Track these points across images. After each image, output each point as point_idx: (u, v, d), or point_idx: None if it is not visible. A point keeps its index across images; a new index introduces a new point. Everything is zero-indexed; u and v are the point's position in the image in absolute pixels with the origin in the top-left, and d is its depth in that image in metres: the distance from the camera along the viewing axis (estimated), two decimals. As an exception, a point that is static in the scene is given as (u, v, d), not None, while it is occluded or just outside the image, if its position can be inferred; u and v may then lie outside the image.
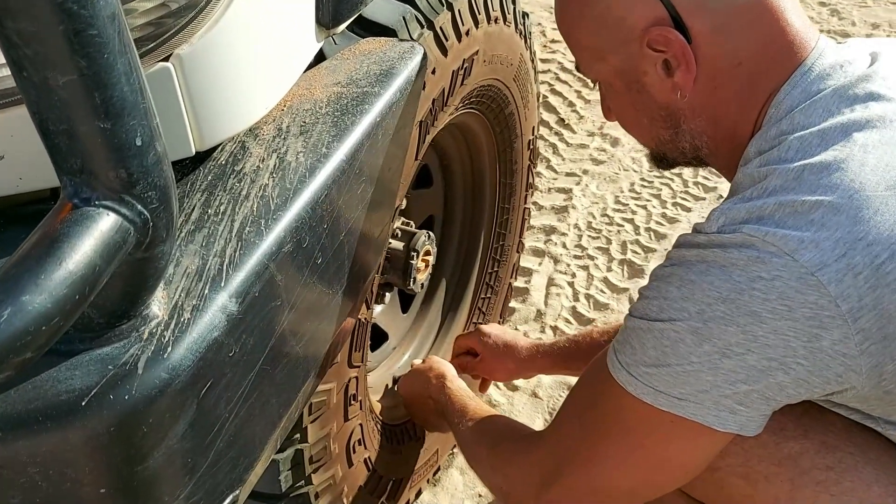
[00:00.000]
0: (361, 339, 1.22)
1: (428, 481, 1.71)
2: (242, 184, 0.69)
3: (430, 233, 1.46)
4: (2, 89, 0.60)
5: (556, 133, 2.75)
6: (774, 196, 0.78)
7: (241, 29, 0.67)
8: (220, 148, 0.73)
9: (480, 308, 1.83)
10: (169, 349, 0.56)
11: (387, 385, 1.57)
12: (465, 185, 1.70)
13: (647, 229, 2.37)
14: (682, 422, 0.84)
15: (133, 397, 0.53)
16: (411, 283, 1.43)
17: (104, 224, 0.49)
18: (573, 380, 1.93)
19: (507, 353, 1.50)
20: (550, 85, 2.98)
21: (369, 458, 1.37)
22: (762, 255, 0.76)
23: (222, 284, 0.60)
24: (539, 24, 3.36)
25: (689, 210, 2.42)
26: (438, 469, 1.73)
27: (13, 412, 0.52)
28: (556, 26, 3.50)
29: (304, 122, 0.76)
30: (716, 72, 0.87)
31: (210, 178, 0.70)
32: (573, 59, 1.03)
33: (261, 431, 0.70)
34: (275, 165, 0.71)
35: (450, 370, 1.41)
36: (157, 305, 0.58)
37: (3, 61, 0.55)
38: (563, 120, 2.81)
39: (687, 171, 2.55)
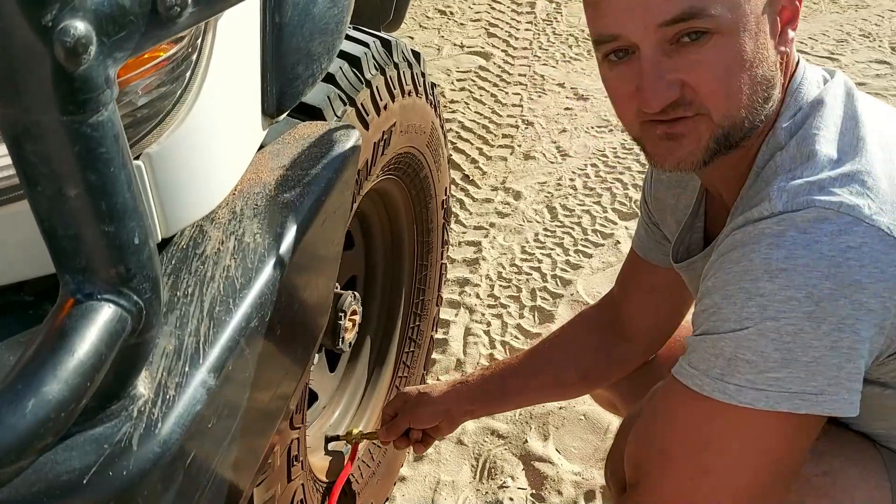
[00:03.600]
0: (302, 400, 1.27)
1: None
2: (206, 266, 0.75)
3: (356, 293, 1.52)
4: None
5: (462, 189, 2.88)
6: (828, 170, 0.81)
7: (201, 127, 0.74)
8: (179, 233, 0.79)
9: (405, 362, 1.90)
10: (159, 425, 0.61)
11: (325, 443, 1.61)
12: (385, 245, 1.78)
13: (553, 276, 2.50)
14: (817, 420, 0.83)
15: (130, 472, 0.58)
16: (340, 342, 1.49)
17: (106, 315, 0.54)
18: (498, 425, 2.02)
19: (421, 397, 1.50)
20: (453, 143, 3.12)
21: (310, 514, 1.41)
22: (842, 225, 0.78)
23: (201, 361, 0.66)
24: (438, 85, 3.51)
25: (590, 256, 2.57)
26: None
27: (17, 495, 0.55)
28: (454, 87, 3.62)
29: (257, 205, 0.83)
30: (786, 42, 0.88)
31: (174, 262, 0.76)
32: (684, 3, 0.81)
33: (234, 490, 0.75)
34: (234, 247, 0.77)
35: None
36: (143, 385, 0.63)
37: None
38: (467, 176, 2.94)
39: (586, 221, 2.71)
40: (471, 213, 2.77)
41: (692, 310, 1.36)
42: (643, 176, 2.94)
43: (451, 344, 2.26)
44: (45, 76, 0.46)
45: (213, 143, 0.76)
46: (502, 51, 3.81)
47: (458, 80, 3.57)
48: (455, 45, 3.87)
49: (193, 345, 0.67)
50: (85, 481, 0.57)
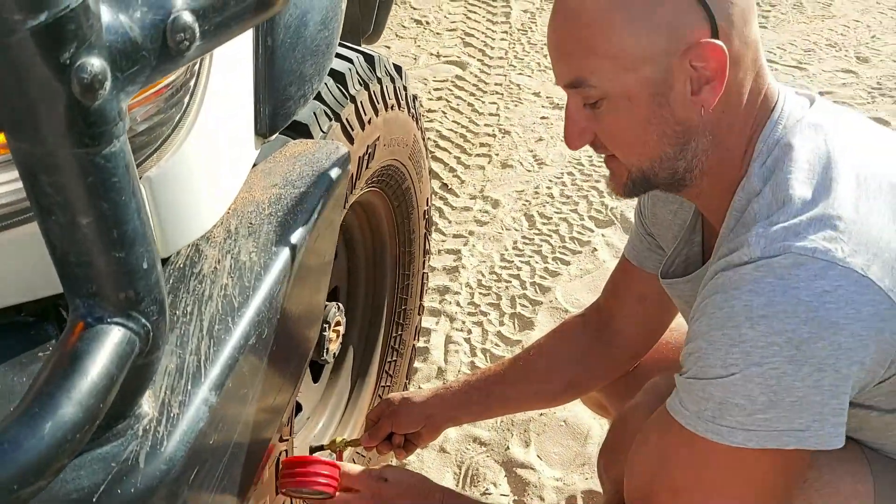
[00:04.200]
0: (289, 413, 1.28)
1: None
2: (204, 285, 0.77)
3: (339, 304, 1.54)
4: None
5: (441, 198, 2.90)
6: (802, 214, 0.85)
7: (198, 149, 0.76)
8: (176, 252, 0.81)
9: (388, 371, 1.92)
10: (164, 443, 0.63)
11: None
12: (367, 256, 1.80)
13: (532, 283, 2.53)
14: (804, 454, 0.88)
15: (138, 490, 0.60)
16: (325, 353, 1.51)
17: (116, 338, 0.56)
18: (480, 432, 2.04)
19: (405, 402, 1.51)
20: (431, 152, 3.15)
21: (297, 528, 1.42)
22: (817, 270, 0.82)
23: (202, 380, 0.68)
24: (416, 95, 3.53)
25: (568, 264, 2.61)
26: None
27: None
28: (431, 96, 3.66)
29: (251, 223, 0.85)
30: (729, 94, 0.90)
31: (172, 281, 0.77)
32: (569, 75, 0.91)
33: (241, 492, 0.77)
34: (231, 266, 0.79)
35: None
36: (148, 404, 0.65)
37: None
38: (446, 185, 2.97)
39: (563, 229, 2.75)
40: (450, 222, 2.80)
41: (678, 317, 1.41)
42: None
43: (433, 352, 2.29)
44: (61, 111, 0.48)
45: (209, 164, 0.78)
46: (478, 60, 3.85)
47: (434, 90, 3.60)
48: (431, 54, 3.90)
49: (195, 363, 0.69)
50: (94, 500, 0.58)
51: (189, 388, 0.67)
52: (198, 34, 0.54)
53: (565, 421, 2.07)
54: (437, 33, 4.07)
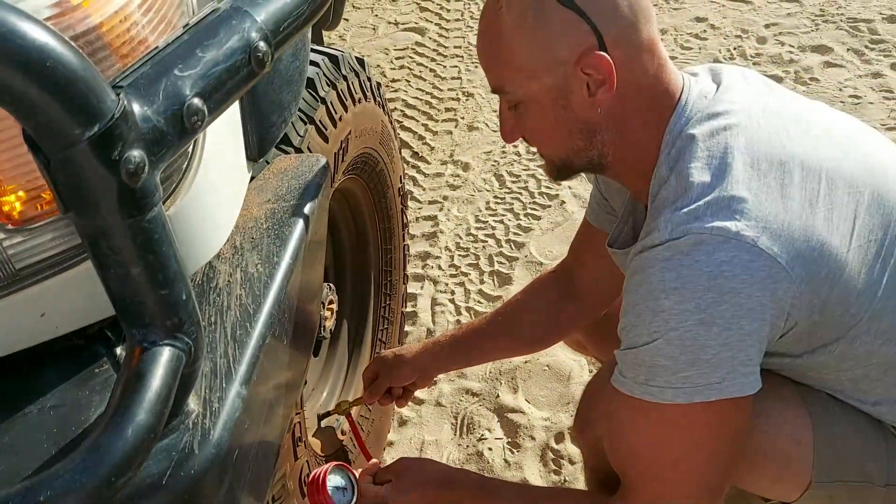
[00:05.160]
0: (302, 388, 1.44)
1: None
2: (221, 297, 0.92)
3: (331, 284, 1.69)
4: (42, 266, 0.80)
5: (413, 166, 3.04)
6: (701, 199, 0.99)
7: (206, 182, 0.90)
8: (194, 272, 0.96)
9: (381, 339, 2.08)
10: (211, 432, 0.78)
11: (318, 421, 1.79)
12: (350, 236, 1.95)
13: (507, 241, 2.69)
14: (733, 402, 1.01)
15: (196, 472, 0.76)
16: (322, 330, 1.67)
17: (167, 356, 0.71)
18: (471, 384, 2.22)
19: (398, 359, 1.65)
20: (399, 122, 3.27)
21: (317, 487, 1.60)
22: (715, 245, 0.96)
23: (233, 377, 0.84)
24: (378, 65, 3.64)
25: (539, 218, 2.77)
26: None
27: (116, 499, 0.73)
28: (393, 66, 3.75)
29: (253, 238, 1.00)
30: (625, 93, 1.04)
31: (194, 296, 0.92)
32: (493, 82, 1.09)
33: (265, 473, 0.93)
34: (241, 278, 0.94)
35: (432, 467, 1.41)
36: (193, 402, 0.80)
37: (47, 242, 0.76)
38: (416, 153, 3.10)
39: (532, 185, 2.90)
40: (424, 189, 2.94)
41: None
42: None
43: (421, 315, 2.45)
44: (113, 193, 0.62)
45: (216, 193, 0.93)
46: (436, 24, 3.94)
47: (396, 59, 3.70)
48: (390, 23, 3.98)
49: (225, 365, 0.85)
50: (164, 482, 0.74)
51: (224, 385, 0.83)
52: (206, 112, 0.68)
53: (548, 366, 2.25)
54: (393, 1, 4.15)
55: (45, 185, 0.78)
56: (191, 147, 0.86)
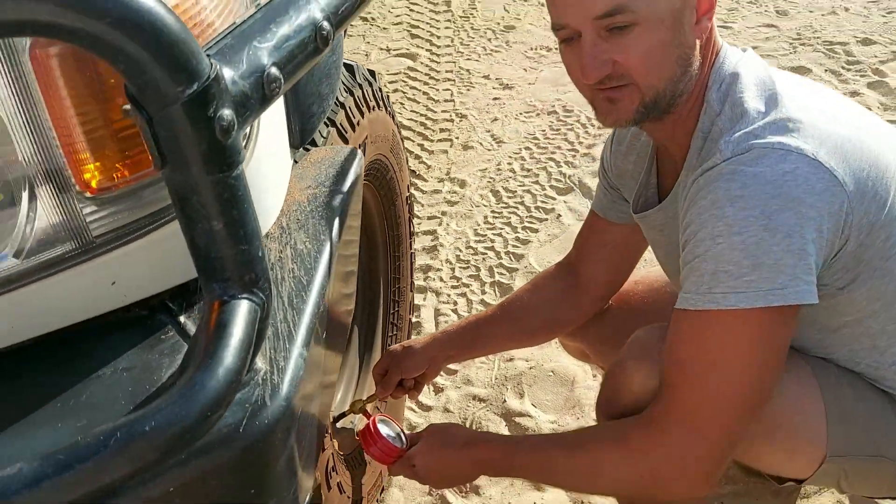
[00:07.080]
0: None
1: (376, 500, 1.98)
2: (276, 271, 0.97)
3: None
4: (116, 235, 0.85)
5: (412, 184, 3.11)
6: (759, 121, 1.07)
7: (260, 163, 0.96)
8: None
9: (390, 345, 2.13)
10: (279, 387, 0.83)
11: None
12: (362, 243, 2.01)
13: (507, 253, 2.76)
14: (782, 314, 1.05)
15: (269, 422, 0.81)
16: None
17: (245, 308, 0.76)
18: (478, 391, 2.27)
19: (406, 351, 1.69)
20: (396, 142, 3.35)
21: (340, 482, 1.63)
22: (778, 157, 1.03)
23: (295, 339, 0.89)
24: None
25: (536, 231, 2.85)
26: (384, 489, 2.01)
27: (194, 447, 0.77)
28: (387, 89, 3.82)
29: (299, 219, 1.05)
30: (707, 28, 1.13)
31: (250, 270, 0.97)
32: (610, 4, 1.06)
33: (321, 430, 0.98)
34: (292, 254, 1.00)
35: (458, 431, 1.44)
36: (261, 361, 0.85)
37: (121, 210, 0.82)
38: (414, 171, 3.18)
39: (528, 200, 2.98)
40: (423, 205, 3.01)
41: (639, 267, 1.65)
42: (573, 153, 3.22)
43: (424, 325, 2.50)
44: (206, 149, 0.68)
45: (267, 174, 0.99)
46: (427, 50, 4.05)
47: (390, 83, 3.79)
48: (382, 49, 4.08)
49: (286, 329, 0.90)
50: (241, 430, 0.79)
51: (286, 346, 0.88)
52: (283, 80, 0.74)
53: (553, 371, 2.30)
54: (384, 28, 4.26)
55: (119, 158, 0.84)
56: (247, 129, 0.92)
